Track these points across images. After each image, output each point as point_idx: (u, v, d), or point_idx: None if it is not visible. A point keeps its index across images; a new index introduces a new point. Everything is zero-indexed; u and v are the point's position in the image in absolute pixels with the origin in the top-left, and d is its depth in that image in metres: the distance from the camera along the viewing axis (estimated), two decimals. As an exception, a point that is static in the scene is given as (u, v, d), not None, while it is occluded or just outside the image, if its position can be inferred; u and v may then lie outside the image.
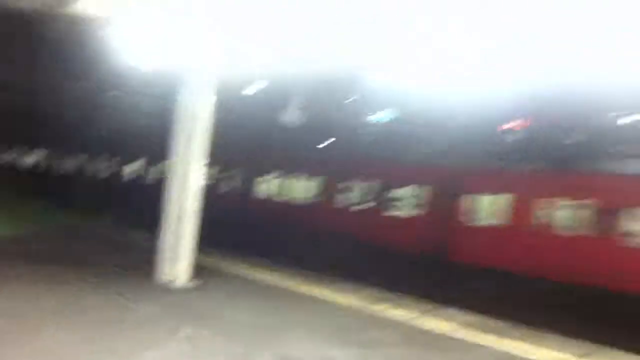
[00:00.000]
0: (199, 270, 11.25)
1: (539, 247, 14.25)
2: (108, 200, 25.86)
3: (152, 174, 26.84)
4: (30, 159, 34.99)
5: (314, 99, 21.20)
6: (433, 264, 15.94)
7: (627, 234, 12.84)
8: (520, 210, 14.84)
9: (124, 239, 16.53)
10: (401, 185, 18.07)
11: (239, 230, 18.40)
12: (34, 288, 9.66)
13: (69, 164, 32.62)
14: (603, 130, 18.87)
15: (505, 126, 23.82)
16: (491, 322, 9.82)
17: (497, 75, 14.39)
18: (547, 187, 14.62)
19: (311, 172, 20.82)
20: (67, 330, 7.60)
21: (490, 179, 16.04)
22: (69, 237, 16.10)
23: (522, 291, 13.65)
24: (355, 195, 19.29)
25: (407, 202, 17.83)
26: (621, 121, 22.09)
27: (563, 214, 14.27)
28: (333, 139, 22.25)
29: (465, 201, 16.09)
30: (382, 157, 19.84)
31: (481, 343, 8.76)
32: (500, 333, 9.13)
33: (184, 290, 10.61)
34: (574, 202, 14.02)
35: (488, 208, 15.88)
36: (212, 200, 12.81)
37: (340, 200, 19.59)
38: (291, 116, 20.31)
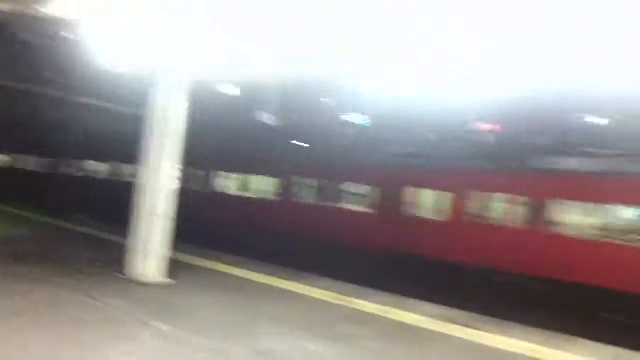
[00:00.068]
0: (172, 267, 11.24)
1: (476, 238, 15.46)
2: (81, 200, 25.77)
3: (124, 174, 26.90)
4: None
5: (284, 101, 21.34)
6: (382, 257, 16.89)
7: (554, 224, 14.26)
8: (458, 205, 16.09)
9: (97, 237, 16.43)
10: (354, 183, 19.16)
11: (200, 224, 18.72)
12: (4, 285, 9.58)
13: (40, 165, 32.37)
14: (564, 131, 19.88)
15: (479, 127, 24.33)
16: (458, 314, 9.99)
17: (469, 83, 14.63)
18: (484, 184, 15.82)
19: (270, 172, 21.61)
20: (37, 326, 7.53)
21: (431, 177, 17.08)
22: (41, 236, 15.99)
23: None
24: (311, 193, 20.26)
25: (358, 199, 18.95)
26: (586, 122, 22.79)
27: (497, 207, 15.68)
28: (299, 141, 22.63)
29: (409, 197, 17.28)
30: (338, 157, 20.70)
31: (448, 333, 8.93)
32: (466, 324, 9.30)
33: (156, 286, 10.59)
34: (507, 197, 15.49)
35: (429, 204, 17.27)
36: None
37: (296, 197, 20.50)
38: (264, 118, 20.45)
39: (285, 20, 10.39)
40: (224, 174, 23.41)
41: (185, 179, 18.04)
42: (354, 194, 19.23)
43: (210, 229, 19.40)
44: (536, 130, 19.84)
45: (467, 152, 18.03)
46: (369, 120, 31.21)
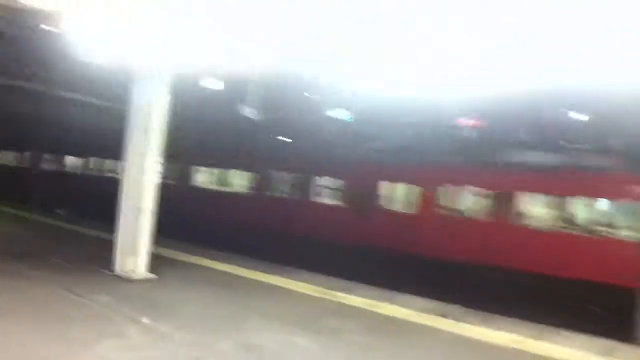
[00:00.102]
0: (157, 262, 11.19)
1: (444, 231, 15.69)
2: (63, 196, 25.58)
3: (106, 170, 26.77)
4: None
5: (267, 96, 21.28)
6: (351, 250, 16.88)
7: (518, 216, 14.76)
8: (427, 198, 16.39)
9: (81, 233, 16.28)
10: (327, 178, 19.42)
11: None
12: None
13: (22, 161, 32.05)
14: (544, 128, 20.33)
15: (462, 124, 24.46)
16: (448, 308, 10.02)
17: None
18: (453, 178, 16.22)
19: (246, 167, 21.73)
20: (22, 324, 7.44)
21: (402, 171, 17.39)
22: (25, 233, 15.81)
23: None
24: (286, 187, 20.54)
25: (331, 192, 19.27)
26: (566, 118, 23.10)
27: (464, 200, 16.21)
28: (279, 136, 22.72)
29: (379, 191, 17.57)
30: (314, 152, 20.84)
31: (436, 327, 8.97)
32: (456, 318, 9.33)
33: (142, 282, 10.54)
34: (475, 190, 15.98)
35: (399, 197, 17.71)
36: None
37: (271, 191, 20.67)
38: (246, 112, 20.37)
39: (272, 14, 10.32)
40: (200, 168, 23.38)
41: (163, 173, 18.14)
42: (327, 188, 19.49)
43: (187, 223, 19.29)
44: (512, 126, 20.33)
45: (436, 147, 18.29)
46: (351, 117, 31.27)
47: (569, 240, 13.92)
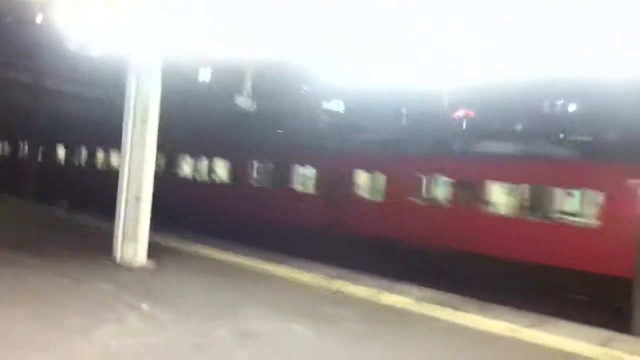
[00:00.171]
0: (155, 250, 11.21)
1: (411, 217, 16.29)
2: (60, 187, 25.53)
3: (99, 161, 26.72)
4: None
5: (257, 86, 21.27)
6: (326, 235, 17.26)
7: (485, 204, 15.14)
8: (395, 186, 16.93)
9: (78, 222, 16.22)
10: (303, 166, 19.54)
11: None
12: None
13: (16, 151, 31.88)
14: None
15: (456, 115, 24.60)
16: (445, 297, 10.04)
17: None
18: (422, 167, 16.65)
19: (226, 156, 21.88)
20: (22, 311, 7.44)
21: (374, 161, 17.81)
22: (24, 222, 15.76)
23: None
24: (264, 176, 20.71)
25: (307, 181, 19.46)
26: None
27: (432, 188, 16.49)
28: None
29: (351, 179, 17.95)
30: (293, 142, 21.12)
31: (436, 316, 9.00)
32: (455, 306, 9.34)
33: (141, 270, 10.56)
34: (443, 179, 16.26)
35: (369, 185, 17.96)
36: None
37: (251, 180, 20.90)
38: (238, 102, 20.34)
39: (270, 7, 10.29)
40: (184, 157, 23.40)
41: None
42: (303, 177, 19.78)
43: (171, 211, 19.45)
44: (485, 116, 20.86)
45: (404, 137, 19.02)
46: (343, 108, 31.37)
47: (528, 226, 14.44)
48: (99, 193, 17.26)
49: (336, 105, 30.62)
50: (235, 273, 11.13)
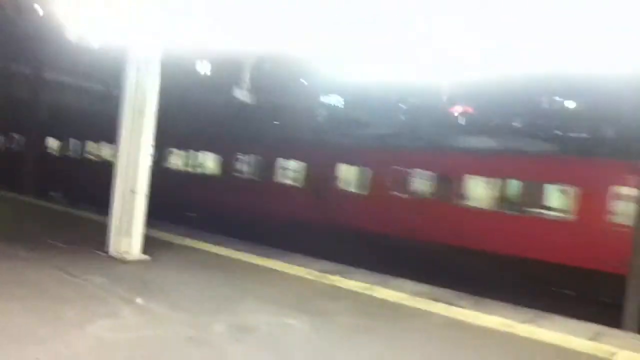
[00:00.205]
0: (150, 244, 11.24)
1: (394, 211, 16.83)
2: (56, 179, 25.56)
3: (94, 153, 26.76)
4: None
5: (255, 79, 21.29)
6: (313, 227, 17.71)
7: (462, 197, 15.79)
8: (378, 180, 17.47)
9: (75, 215, 16.26)
10: (289, 160, 19.98)
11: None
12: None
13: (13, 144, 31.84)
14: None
15: (454, 110, 24.66)
16: (440, 291, 10.09)
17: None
18: (402, 162, 17.15)
19: (214, 149, 22.28)
20: (18, 304, 7.47)
21: (357, 154, 18.30)
22: (21, 215, 15.82)
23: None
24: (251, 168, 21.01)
25: (293, 173, 19.91)
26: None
27: (413, 182, 16.96)
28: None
29: (336, 173, 18.48)
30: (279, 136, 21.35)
31: (431, 310, 9.05)
32: (449, 301, 9.40)
33: (136, 263, 10.59)
34: (424, 173, 16.78)
35: (353, 179, 18.45)
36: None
37: (237, 173, 21.24)
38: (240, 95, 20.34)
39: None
40: (172, 150, 23.48)
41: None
42: (290, 170, 20.14)
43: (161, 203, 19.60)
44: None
45: (398, 132, 19.34)
46: (342, 102, 31.35)
47: (504, 219, 15.02)
48: (95, 185, 17.37)
49: (335, 100, 30.60)
50: (231, 267, 11.15)
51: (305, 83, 28.99)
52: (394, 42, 11.00)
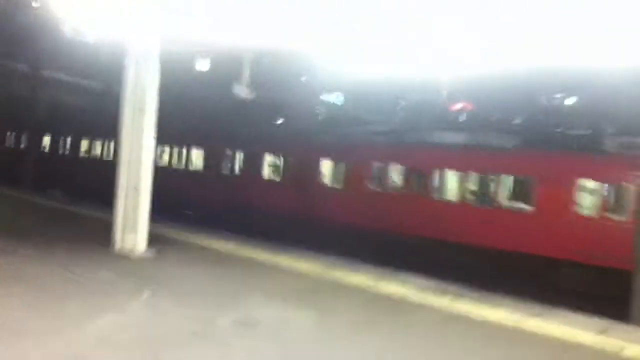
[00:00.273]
0: (154, 240, 11.18)
1: (369, 204, 17.55)
2: (56, 176, 25.57)
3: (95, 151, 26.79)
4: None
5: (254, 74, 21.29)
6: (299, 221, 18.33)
7: (435, 191, 16.68)
8: (354, 174, 18.25)
9: (76, 213, 16.19)
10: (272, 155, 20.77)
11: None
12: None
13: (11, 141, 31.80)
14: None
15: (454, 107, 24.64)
16: (445, 286, 10.01)
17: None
18: (376, 156, 17.96)
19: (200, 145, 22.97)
20: (21, 300, 7.43)
21: (335, 150, 19.11)
22: (22, 212, 15.75)
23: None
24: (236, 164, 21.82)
25: (274, 169, 20.77)
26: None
27: (390, 176, 17.70)
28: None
29: (317, 168, 19.21)
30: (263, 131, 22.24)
31: (435, 305, 8.97)
32: (453, 296, 9.33)
33: (140, 259, 10.55)
34: (400, 167, 17.59)
35: (332, 174, 19.32)
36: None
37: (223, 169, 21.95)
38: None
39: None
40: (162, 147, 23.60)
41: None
42: (272, 165, 20.94)
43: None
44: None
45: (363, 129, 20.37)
46: (341, 99, 31.30)
47: (472, 211, 15.85)
48: (97, 182, 17.42)
49: (335, 97, 30.57)
50: (234, 263, 11.12)
51: (303, 80, 28.97)
52: (394, 38, 10.95)
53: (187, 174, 22.99)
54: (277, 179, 20.48)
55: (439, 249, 15.44)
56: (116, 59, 12.19)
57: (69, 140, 28.74)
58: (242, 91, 19.49)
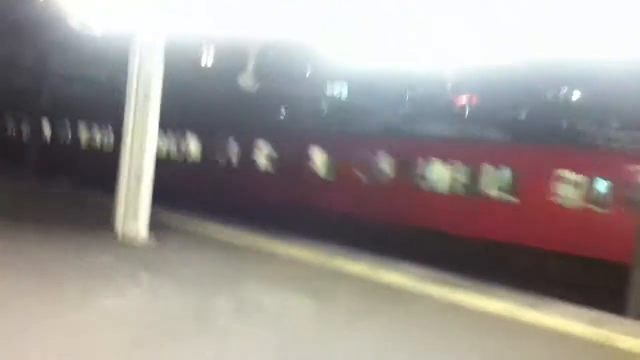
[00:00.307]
0: (156, 228, 11.26)
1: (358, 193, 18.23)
2: (62, 163, 25.70)
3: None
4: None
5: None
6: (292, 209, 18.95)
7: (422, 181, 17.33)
8: (344, 164, 18.87)
9: (80, 198, 16.32)
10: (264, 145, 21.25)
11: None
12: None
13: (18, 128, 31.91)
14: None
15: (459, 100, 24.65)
16: (444, 276, 10.11)
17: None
18: (363, 147, 18.55)
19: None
20: (20, 283, 7.53)
21: (326, 140, 19.80)
22: (26, 197, 15.88)
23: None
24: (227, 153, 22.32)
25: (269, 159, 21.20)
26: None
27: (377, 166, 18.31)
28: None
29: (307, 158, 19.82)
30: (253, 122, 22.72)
31: (434, 294, 9.05)
32: (452, 285, 9.42)
33: (142, 245, 10.64)
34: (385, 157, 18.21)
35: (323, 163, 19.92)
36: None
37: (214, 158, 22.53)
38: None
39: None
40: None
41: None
42: (264, 155, 21.42)
43: None
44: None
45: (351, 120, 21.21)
46: (345, 92, 31.26)
47: (458, 201, 16.48)
48: (100, 170, 17.61)
49: (338, 90, 30.53)
50: (234, 250, 11.20)
51: (306, 72, 28.96)
52: (399, 30, 10.98)
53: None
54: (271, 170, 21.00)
55: (429, 238, 15.97)
56: (123, 49, 12.22)
57: (73, 128, 28.90)
58: (246, 82, 19.61)
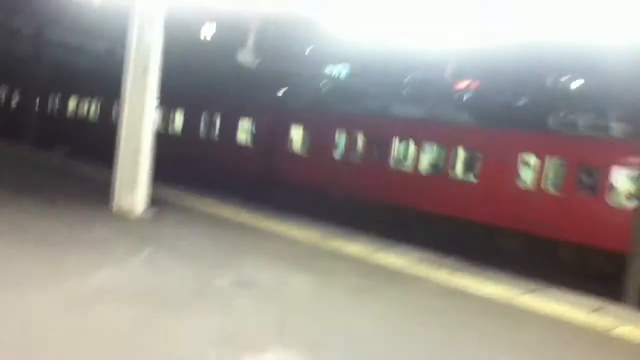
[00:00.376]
0: (154, 203, 11.16)
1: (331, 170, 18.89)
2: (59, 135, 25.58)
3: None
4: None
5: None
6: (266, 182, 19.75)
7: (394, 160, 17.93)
8: (323, 141, 19.38)
9: (78, 171, 16.21)
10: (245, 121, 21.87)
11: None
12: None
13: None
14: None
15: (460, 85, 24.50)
16: (442, 260, 10.10)
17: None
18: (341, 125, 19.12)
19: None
20: (19, 251, 7.48)
21: (304, 118, 20.30)
22: (24, 169, 15.77)
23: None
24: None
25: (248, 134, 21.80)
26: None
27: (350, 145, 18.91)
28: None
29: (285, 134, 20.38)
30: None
31: (431, 278, 9.00)
32: (451, 269, 9.40)
33: (139, 219, 10.57)
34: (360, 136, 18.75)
35: (299, 141, 20.52)
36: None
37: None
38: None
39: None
40: None
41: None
42: (245, 131, 21.98)
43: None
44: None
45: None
46: (344, 72, 31.07)
47: (425, 180, 17.24)
48: (98, 142, 17.51)
49: (338, 70, 30.34)
50: (234, 227, 11.12)
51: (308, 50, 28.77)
52: (400, 9, 10.88)
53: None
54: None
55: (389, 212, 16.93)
56: (121, 21, 12.04)
57: (72, 100, 28.71)
58: (245, 58, 19.47)
